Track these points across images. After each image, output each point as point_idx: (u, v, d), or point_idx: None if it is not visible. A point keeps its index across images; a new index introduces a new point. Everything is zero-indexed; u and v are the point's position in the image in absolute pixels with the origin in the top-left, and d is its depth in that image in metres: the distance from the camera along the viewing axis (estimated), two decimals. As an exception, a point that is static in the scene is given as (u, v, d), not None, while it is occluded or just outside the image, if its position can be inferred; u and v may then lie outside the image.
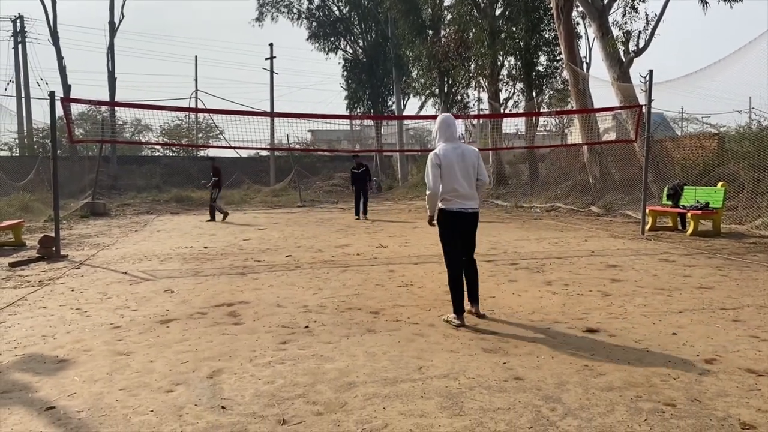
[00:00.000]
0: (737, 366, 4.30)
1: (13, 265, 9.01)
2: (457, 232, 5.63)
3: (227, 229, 14.49)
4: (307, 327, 5.46)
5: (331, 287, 7.24)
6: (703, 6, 16.44)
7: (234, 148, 21.33)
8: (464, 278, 5.67)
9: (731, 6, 16.15)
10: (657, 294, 6.64)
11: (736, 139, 16.65)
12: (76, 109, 34.15)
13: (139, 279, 7.93)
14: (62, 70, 31.02)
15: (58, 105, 9.71)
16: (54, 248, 9.74)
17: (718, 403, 3.63)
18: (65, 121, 10.06)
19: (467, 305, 5.68)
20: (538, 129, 24.26)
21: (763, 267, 8.26)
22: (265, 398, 3.78)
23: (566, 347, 4.78)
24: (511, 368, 4.30)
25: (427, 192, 5.66)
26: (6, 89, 33.67)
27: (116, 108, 28.32)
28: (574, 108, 18.60)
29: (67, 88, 30.96)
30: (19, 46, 33.23)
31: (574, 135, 23.28)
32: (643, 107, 11.77)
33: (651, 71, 11.42)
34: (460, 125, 35.33)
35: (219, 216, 16.86)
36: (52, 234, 9.95)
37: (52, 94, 9.57)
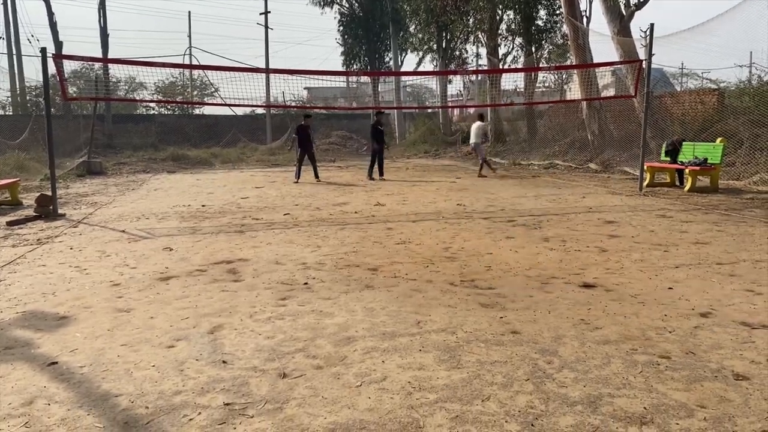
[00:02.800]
0: (732, 319, 4.35)
1: (10, 223, 9.00)
2: None
3: (225, 187, 14.45)
4: (306, 283, 5.49)
5: (329, 245, 7.26)
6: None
7: (229, 105, 21.14)
8: None
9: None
10: (654, 249, 6.67)
11: (736, 94, 16.52)
12: (69, 66, 33.60)
13: (138, 237, 7.94)
14: (53, 26, 30.38)
15: (51, 62, 9.56)
16: (51, 207, 9.72)
17: (713, 355, 3.69)
18: (58, 78, 9.90)
19: None
20: (537, 85, 24.00)
21: (759, 222, 8.29)
22: (265, 353, 3.82)
23: (563, 302, 4.82)
24: (507, 322, 4.35)
25: None
26: (40, 49, 33.09)
27: (110, 65, 27.93)
28: (573, 63, 18.36)
29: (58, 44, 30.38)
30: (8, 1, 32.51)
31: (573, 91, 23.11)
32: (644, 62, 11.62)
33: (652, 25, 11.24)
34: (458, 81, 34.97)
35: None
36: (49, 193, 9.91)
37: (43, 51, 9.40)
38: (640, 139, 11.85)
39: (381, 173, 16.08)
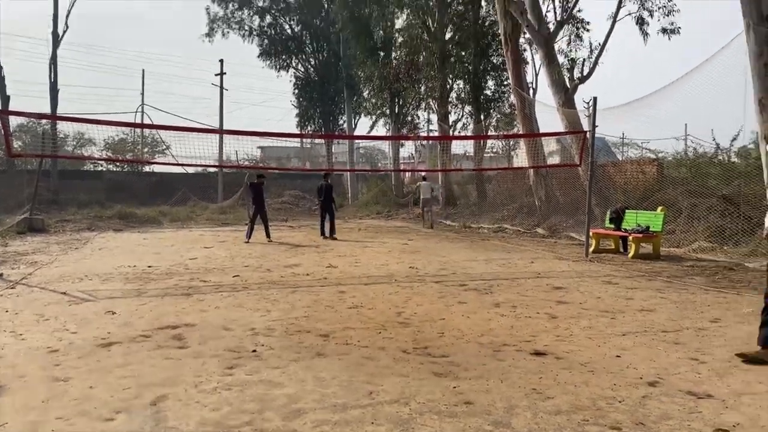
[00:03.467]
0: (678, 388, 4.42)
1: (-59, 284, 8.55)
2: None
3: (172, 247, 14.15)
4: (254, 351, 5.35)
5: (279, 309, 7.13)
6: (644, 37, 17.16)
7: (181, 164, 20.95)
8: None
9: (669, 38, 16.93)
10: (601, 316, 6.79)
11: (674, 165, 17.35)
12: (15, 120, 32.93)
13: (79, 299, 7.64)
14: (1, 80, 29.89)
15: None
16: (-13, 266, 9.30)
17: (662, 426, 3.72)
18: (3, 133, 9.66)
19: None
20: (486, 151, 24.72)
21: (700, 289, 8.56)
22: (210, 426, 3.67)
23: (515, 370, 4.82)
24: (461, 392, 4.31)
25: None
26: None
27: (58, 121, 27.46)
28: (520, 132, 19.03)
29: (5, 99, 29.84)
30: (-45, 53, 31.85)
31: (520, 158, 23.85)
32: (588, 133, 12.13)
33: (595, 98, 11.80)
34: (410, 145, 35.71)
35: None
36: (-14, 251, 9.50)
37: (-11, 106, 9.18)
38: (586, 206, 12.27)
39: (332, 232, 16.16)
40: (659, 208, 12.31)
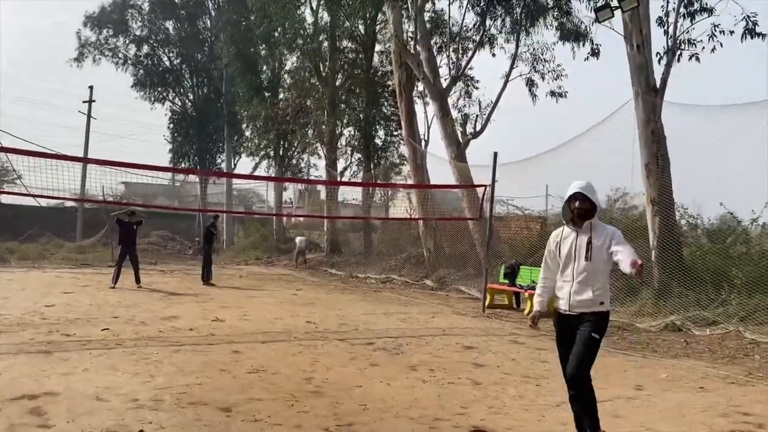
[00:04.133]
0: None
1: None
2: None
3: (24, 291, 12.23)
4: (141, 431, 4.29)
5: (164, 373, 6.00)
6: (533, 98, 17.80)
7: (36, 196, 18.59)
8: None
9: (557, 101, 17.68)
10: (526, 383, 6.33)
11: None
12: None
13: None
14: None
15: None
16: None
17: None
18: None
19: None
20: (376, 200, 24.47)
21: (607, 353, 8.40)
22: None
23: (461, 454, 4.16)
24: (409, 488, 3.56)
25: None
26: None
27: None
28: (411, 183, 18.91)
29: None
30: None
31: (398, 208, 23.76)
32: (488, 187, 12.05)
33: (495, 153, 11.79)
34: (291, 188, 34.80)
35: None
36: None
37: None
38: (477, 260, 12.11)
39: (209, 276, 15.00)
40: (553, 266, 12.38)
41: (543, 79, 17.59)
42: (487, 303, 12.45)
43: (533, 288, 11.60)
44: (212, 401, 5.12)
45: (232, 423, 4.59)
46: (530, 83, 17.74)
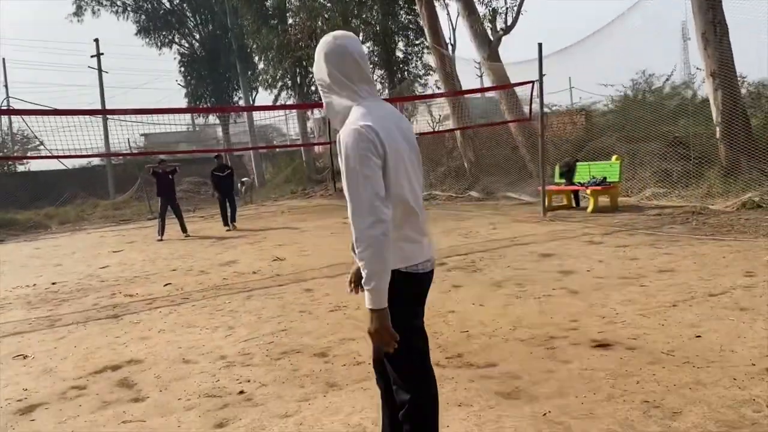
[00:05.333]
0: (811, 373, 3.49)
1: None
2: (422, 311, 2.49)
3: (74, 255, 12.04)
4: (242, 393, 3.94)
5: (244, 323, 5.66)
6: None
7: (59, 157, 18.30)
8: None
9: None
10: (627, 285, 5.85)
11: (600, 113, 17.01)
12: None
13: (-31, 342, 5.81)
14: None
15: None
16: None
17: None
18: None
19: None
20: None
21: (694, 239, 7.90)
22: None
23: (596, 375, 3.73)
24: (559, 422, 3.15)
25: (367, 234, 2.09)
26: None
27: None
28: (442, 92, 18.04)
29: None
30: None
31: (419, 122, 22.87)
32: (535, 83, 11.24)
33: (540, 45, 10.89)
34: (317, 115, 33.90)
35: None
36: None
37: None
38: (523, 163, 11.47)
39: (233, 219, 14.46)
40: (614, 157, 11.71)
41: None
42: (545, 206, 11.91)
43: (594, 183, 11.08)
44: (304, 348, 4.76)
45: (334, 369, 4.22)
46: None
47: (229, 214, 14.43)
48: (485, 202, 15.40)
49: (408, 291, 2.30)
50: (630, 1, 11.95)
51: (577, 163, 12.16)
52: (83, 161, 33.88)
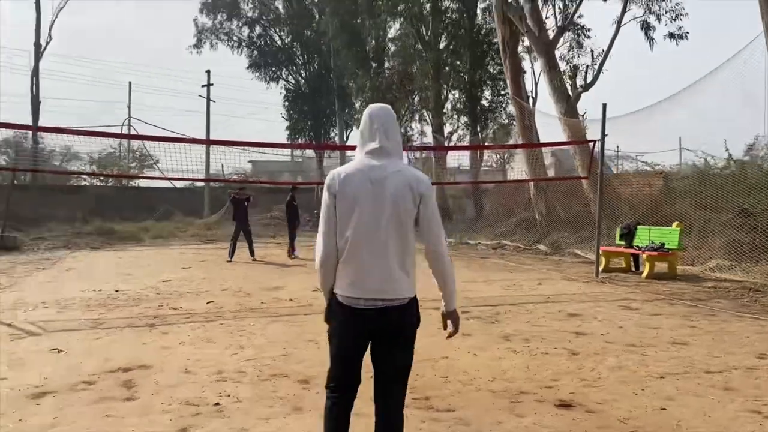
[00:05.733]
0: (752, 458, 3.46)
1: None
2: (348, 340, 2.88)
3: (148, 267, 13.10)
4: (217, 404, 4.35)
5: (255, 345, 6.12)
6: (650, 43, 16.34)
7: (168, 178, 19.99)
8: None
9: (677, 43, 16.13)
10: (629, 352, 5.82)
11: (679, 177, 16.49)
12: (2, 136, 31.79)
13: (25, 333, 6.61)
14: (-21, 92, 28.87)
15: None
16: (-71, 293, 8.26)
17: None
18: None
19: None
20: (490, 164, 23.81)
21: (732, 316, 7.62)
22: None
23: (540, 430, 3.85)
24: (475, 468, 3.33)
25: (315, 257, 2.90)
26: None
27: (41, 134, 26.42)
28: (519, 143, 18.17)
29: (-17, 111, 28.81)
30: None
31: (516, 171, 22.98)
32: (597, 142, 11.24)
33: (604, 105, 10.93)
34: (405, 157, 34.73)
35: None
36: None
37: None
38: (593, 221, 11.34)
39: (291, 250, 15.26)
40: (674, 224, 11.41)
41: (659, 20, 16.04)
42: (601, 267, 11.74)
43: (653, 249, 10.84)
44: (293, 373, 5.13)
45: (306, 395, 4.56)
46: (646, 26, 16.25)
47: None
48: (550, 257, 15.27)
49: (336, 313, 2.87)
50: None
51: (639, 226, 11.92)
52: (187, 182, 36.42)
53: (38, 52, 31.18)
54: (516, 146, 17.38)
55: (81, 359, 5.54)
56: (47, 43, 31.59)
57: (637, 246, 11.51)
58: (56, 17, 35.82)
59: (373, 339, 2.85)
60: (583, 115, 16.44)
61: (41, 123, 30.77)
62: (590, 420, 4.06)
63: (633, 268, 11.91)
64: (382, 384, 2.93)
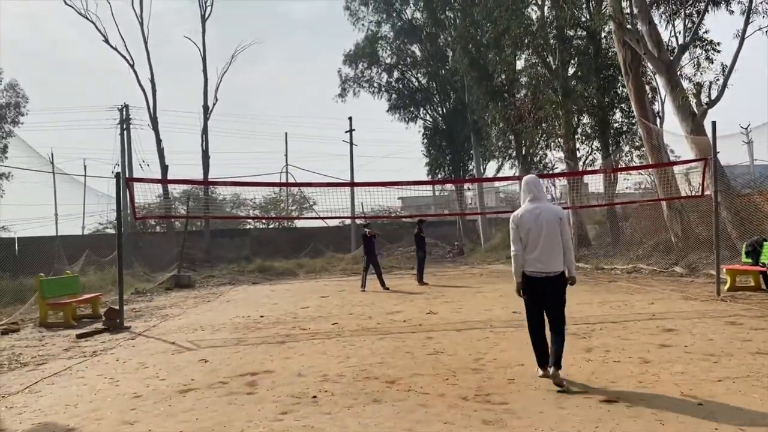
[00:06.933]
0: (758, 443, 3.85)
1: (79, 336, 9.58)
2: (535, 297, 5.60)
3: (293, 297, 14.76)
4: (314, 397, 5.42)
5: (359, 355, 7.17)
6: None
7: (322, 218, 22.11)
8: (549, 341, 5.60)
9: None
10: (703, 360, 6.10)
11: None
12: (180, 188, 36.43)
13: (183, 349, 8.20)
14: (161, 152, 33.49)
15: (141, 186, 10.50)
16: (118, 320, 10.29)
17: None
18: (129, 198, 10.76)
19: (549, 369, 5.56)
20: (631, 186, 23.33)
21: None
22: (232, 470, 3.75)
23: (572, 419, 4.47)
24: (501, 443, 4.06)
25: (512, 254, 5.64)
26: (113, 172, 36.72)
27: (213, 185, 30.11)
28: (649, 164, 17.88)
29: (164, 168, 33.30)
30: (125, 132, 36.33)
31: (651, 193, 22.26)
32: (710, 160, 11.14)
33: (714, 123, 10.88)
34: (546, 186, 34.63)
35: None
36: (117, 307, 10.54)
37: (117, 176, 10.37)
38: (731, 241, 11.11)
39: (420, 278, 16.53)
40: (802, 239, 10.91)
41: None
42: (727, 286, 11.47)
43: (780, 266, 10.48)
44: (383, 376, 6.09)
45: (387, 392, 5.49)
46: (773, 35, 15.49)
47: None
48: (683, 279, 14.88)
49: (526, 283, 5.57)
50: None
51: (765, 242, 11.49)
52: (338, 221, 39.07)
53: (206, 113, 35.47)
54: (624, 169, 17.14)
55: (221, 367, 6.91)
56: (214, 103, 35.85)
57: (763, 263, 11.12)
58: (221, 81, 40.55)
59: (545, 294, 5.52)
60: (746, 128, 15.85)
61: (211, 175, 34.79)
62: (624, 412, 4.58)
63: (764, 286, 11.47)
64: (550, 317, 5.63)
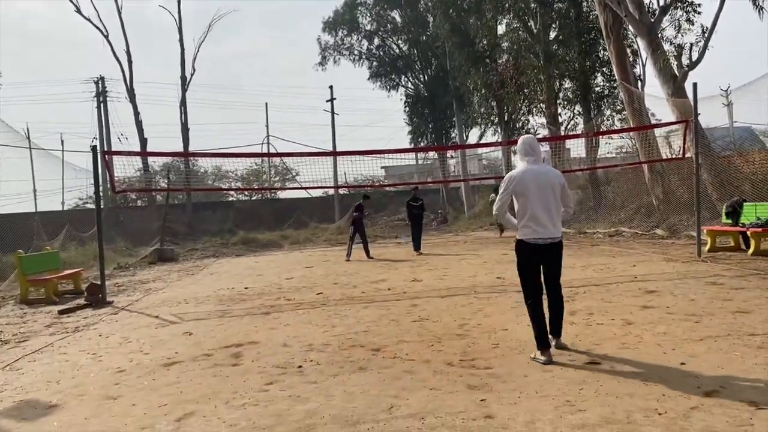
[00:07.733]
0: (739, 398, 3.90)
1: (61, 312, 9.49)
2: (534, 263, 5.24)
3: (277, 268, 14.72)
4: (300, 367, 5.40)
5: (344, 324, 7.17)
6: (759, 12, 15.49)
7: (305, 188, 21.93)
8: (548, 310, 5.34)
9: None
10: (684, 320, 6.16)
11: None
12: (160, 161, 35.93)
13: (167, 322, 8.14)
14: (139, 124, 32.99)
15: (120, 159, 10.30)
16: (100, 295, 10.19)
17: (691, 442, 3.29)
18: (109, 172, 10.58)
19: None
20: (616, 150, 23.32)
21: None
22: (217, 442, 3.74)
23: (557, 381, 4.49)
24: (486, 405, 4.08)
25: (494, 212, 5.44)
26: (91, 146, 36.11)
27: (193, 157, 29.77)
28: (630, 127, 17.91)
29: (143, 141, 32.83)
30: (101, 105, 35.63)
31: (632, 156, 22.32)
32: (690, 122, 11.15)
33: (695, 84, 10.86)
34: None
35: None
36: (98, 282, 10.43)
37: (94, 149, 10.16)
38: (712, 202, 11.18)
39: (417, 247, 16.16)
40: (780, 198, 11.03)
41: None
42: (707, 247, 11.61)
43: (756, 225, 10.61)
44: (368, 344, 6.09)
45: (373, 360, 5.49)
46: (755, -4, 15.42)
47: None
48: (664, 241, 15.05)
49: (525, 251, 5.21)
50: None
51: (744, 203, 11.60)
52: (321, 191, 38.90)
53: (184, 84, 34.88)
54: (605, 132, 17.13)
55: (205, 339, 6.87)
56: (191, 75, 35.24)
57: (743, 223, 11.24)
58: (198, 51, 39.81)
59: (548, 260, 5.25)
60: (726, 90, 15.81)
61: (191, 147, 34.37)
62: (607, 373, 4.62)
63: (743, 247, 11.62)
64: (549, 285, 5.34)
